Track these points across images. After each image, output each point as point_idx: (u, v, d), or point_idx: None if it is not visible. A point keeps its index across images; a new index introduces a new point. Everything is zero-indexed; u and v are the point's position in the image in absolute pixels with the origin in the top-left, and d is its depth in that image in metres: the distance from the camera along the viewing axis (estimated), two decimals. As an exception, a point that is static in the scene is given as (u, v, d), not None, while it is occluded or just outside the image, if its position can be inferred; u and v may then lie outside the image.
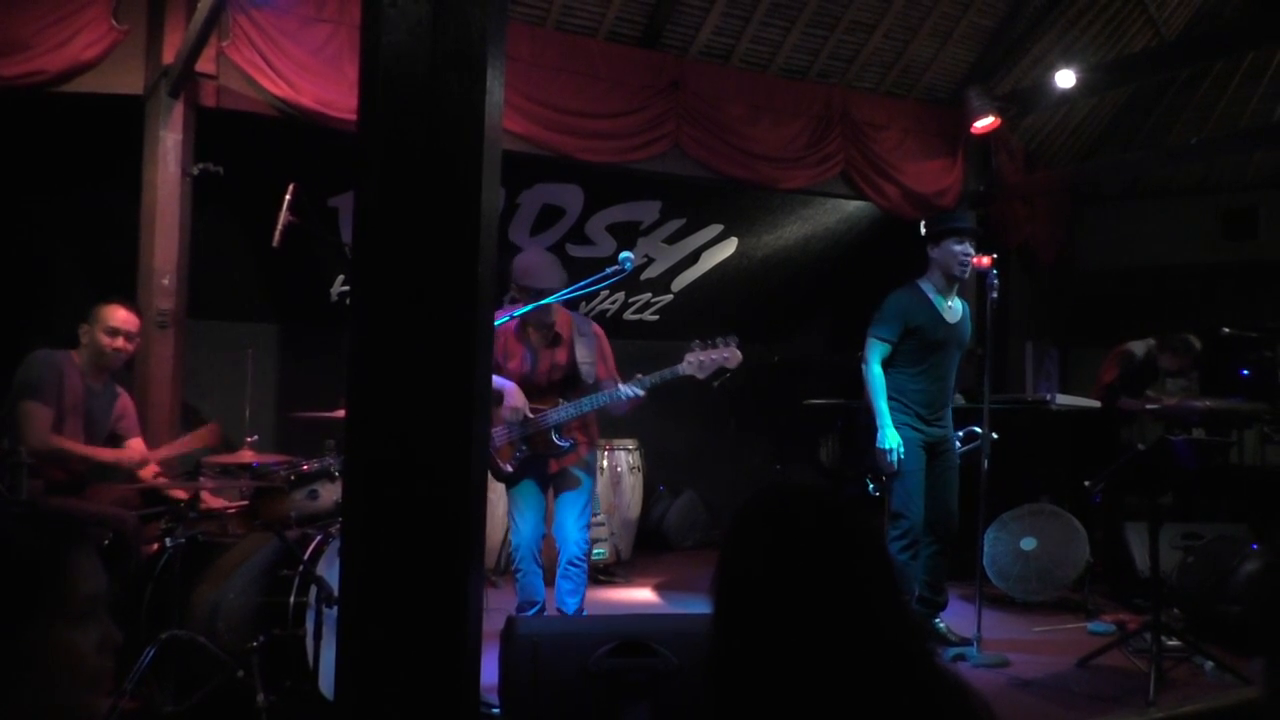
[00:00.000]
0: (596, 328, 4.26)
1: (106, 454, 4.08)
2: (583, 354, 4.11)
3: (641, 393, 3.95)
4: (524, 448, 4.09)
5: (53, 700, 1.12)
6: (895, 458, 4.45)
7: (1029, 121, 7.78)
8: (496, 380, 4.17)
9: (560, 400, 4.06)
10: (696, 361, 3.95)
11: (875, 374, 4.54)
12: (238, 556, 3.60)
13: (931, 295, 4.63)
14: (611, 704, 2.97)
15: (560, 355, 4.13)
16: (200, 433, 4.33)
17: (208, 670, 3.27)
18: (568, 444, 4.08)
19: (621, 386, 3.96)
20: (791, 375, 7.80)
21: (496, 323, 4.02)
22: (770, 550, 1.24)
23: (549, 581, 4.16)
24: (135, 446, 4.24)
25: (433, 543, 1.56)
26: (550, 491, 4.22)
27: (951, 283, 4.66)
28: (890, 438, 4.46)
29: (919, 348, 4.56)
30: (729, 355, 3.95)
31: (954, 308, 4.67)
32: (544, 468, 4.15)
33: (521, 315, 4.01)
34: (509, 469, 4.12)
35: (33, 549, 1.14)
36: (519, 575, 4.13)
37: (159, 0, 4.82)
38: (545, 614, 4.10)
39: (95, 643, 1.16)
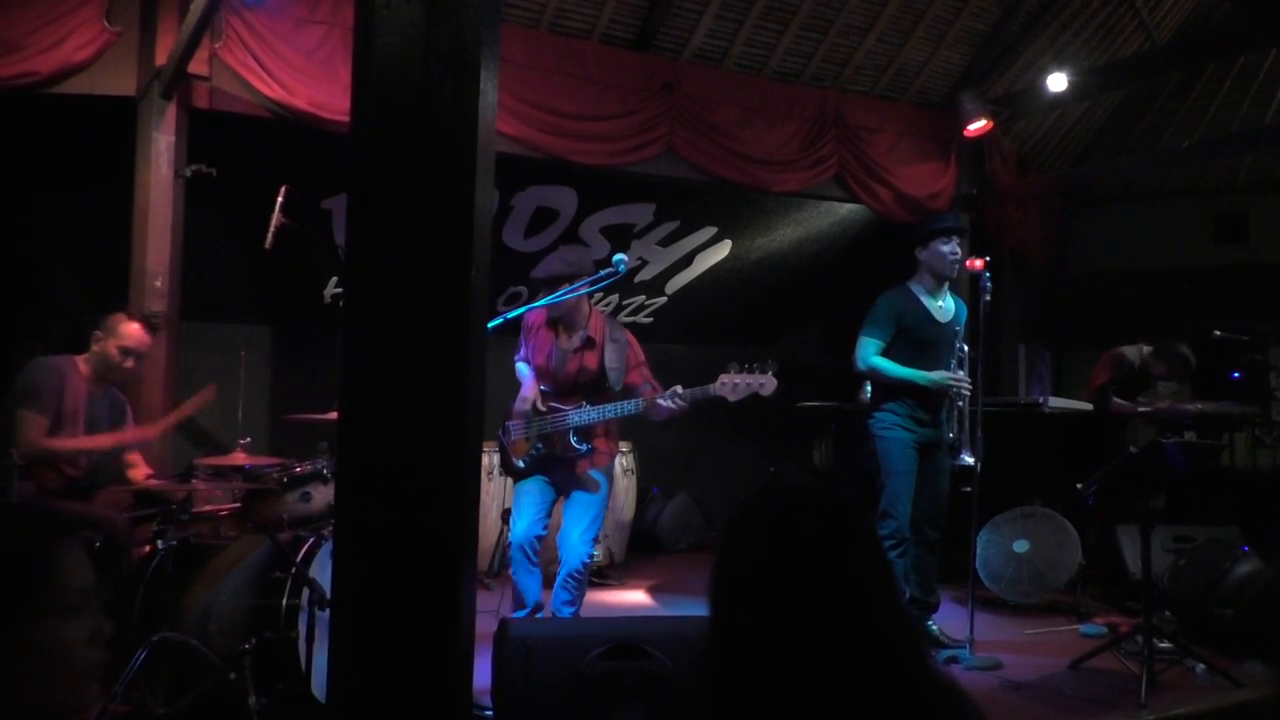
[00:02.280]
0: (629, 334, 4.23)
1: (103, 440, 4.05)
2: (611, 359, 4.09)
3: (682, 405, 3.90)
4: (540, 445, 4.08)
5: (46, 693, 1.14)
6: (949, 380, 4.48)
7: (1021, 125, 7.80)
8: (520, 370, 4.24)
9: (584, 403, 4.04)
10: (730, 384, 3.88)
11: (877, 361, 4.56)
12: (230, 559, 3.59)
13: (921, 296, 4.65)
14: (605, 706, 2.97)
15: (590, 359, 4.11)
16: (194, 400, 4.28)
17: (199, 673, 3.26)
18: (585, 448, 4.06)
19: (660, 400, 3.92)
20: (785, 377, 7.79)
21: (519, 310, 4.05)
22: (768, 551, 1.24)
23: (546, 584, 4.14)
24: (131, 454, 4.23)
25: (425, 545, 1.56)
26: (562, 496, 4.19)
27: (941, 282, 4.68)
28: (934, 378, 4.48)
29: (910, 347, 4.57)
30: (764, 382, 3.88)
31: (944, 307, 4.69)
32: (560, 469, 4.13)
33: (549, 309, 4.05)
34: (520, 464, 4.11)
35: (18, 545, 1.16)
36: (512, 573, 4.10)
37: (152, 2, 4.81)
38: (539, 615, 4.09)
39: (86, 635, 1.17)
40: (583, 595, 4.12)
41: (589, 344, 4.12)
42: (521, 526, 4.07)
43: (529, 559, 4.07)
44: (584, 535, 4.06)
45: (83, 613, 1.18)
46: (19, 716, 1.13)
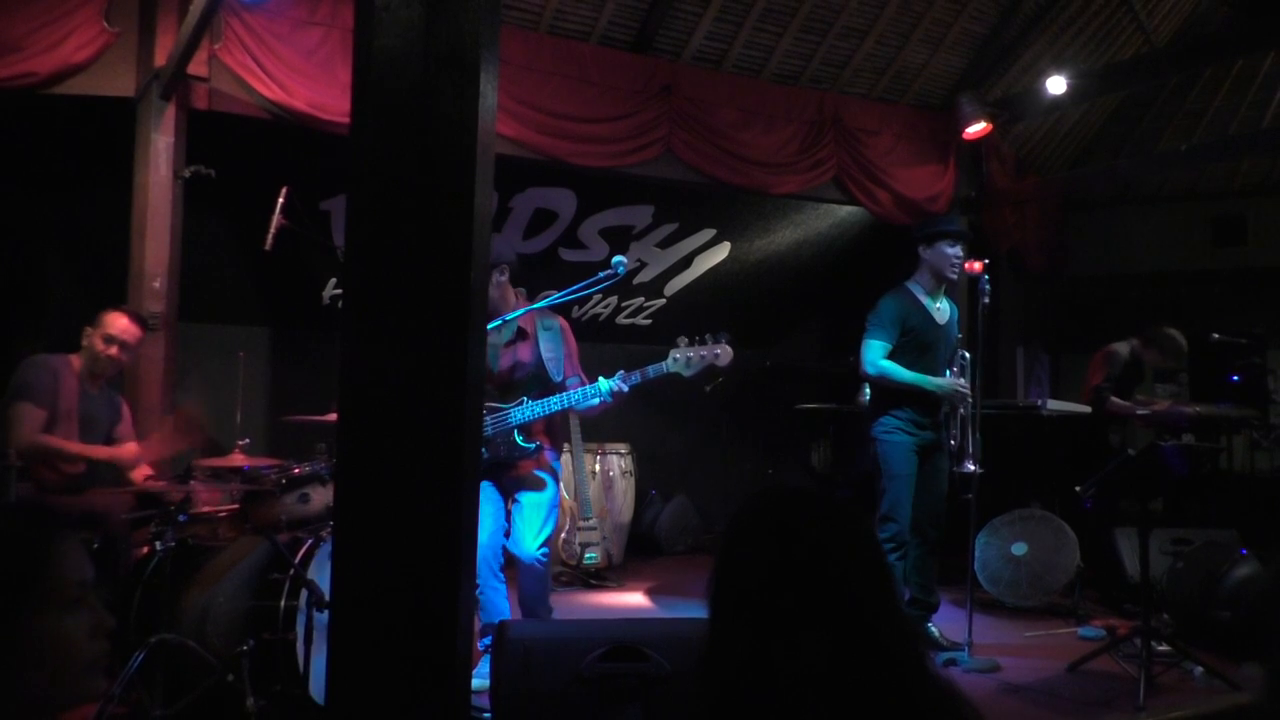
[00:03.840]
0: (562, 321, 4.08)
1: (100, 451, 4.05)
2: (547, 349, 3.92)
3: (625, 389, 3.72)
4: (483, 450, 3.83)
5: (50, 687, 1.15)
6: (954, 386, 4.48)
7: (1020, 128, 7.81)
8: None
9: (524, 399, 3.85)
10: (684, 358, 3.75)
11: (885, 365, 4.55)
12: (228, 560, 3.58)
13: (922, 297, 4.66)
14: (603, 709, 2.96)
15: (523, 352, 3.95)
16: (178, 425, 4.27)
17: (197, 674, 3.25)
18: (532, 446, 3.87)
19: (603, 380, 3.74)
20: (783, 379, 7.81)
21: (518, 312, 3.92)
22: (767, 554, 1.24)
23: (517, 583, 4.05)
24: (130, 450, 4.23)
25: (424, 547, 1.56)
26: (509, 500, 3.99)
27: (940, 284, 4.69)
28: (942, 384, 4.48)
29: (912, 349, 4.58)
30: (720, 352, 3.76)
31: (942, 309, 4.70)
32: (503, 472, 3.94)
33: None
34: None
35: (17, 539, 1.17)
36: (478, 592, 3.84)
37: (151, 3, 4.82)
38: None
39: (87, 628, 1.18)
40: (548, 589, 3.96)
41: (520, 335, 3.96)
42: (483, 538, 3.83)
43: (495, 574, 3.88)
44: (537, 539, 3.87)
45: (83, 606, 1.19)
46: (24, 709, 1.14)
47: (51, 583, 1.16)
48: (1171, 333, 5.94)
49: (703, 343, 3.77)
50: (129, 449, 4.16)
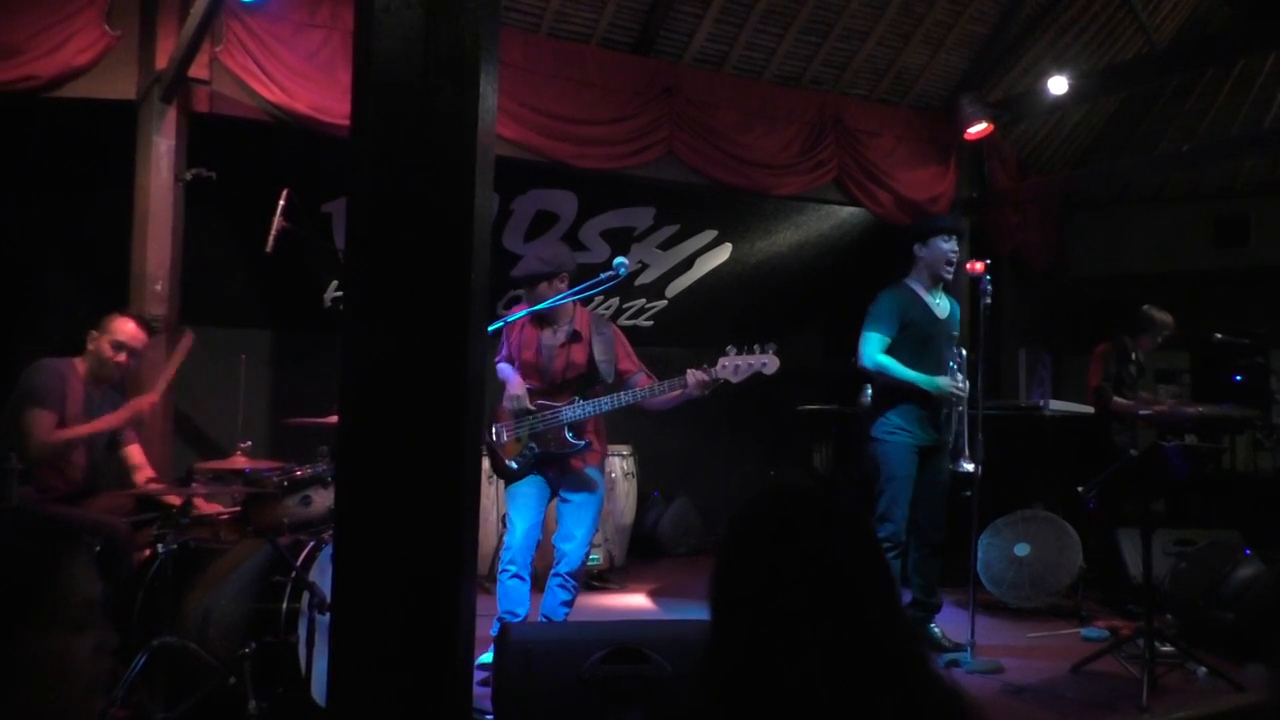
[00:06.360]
0: (614, 328, 4.22)
1: (112, 420, 3.98)
2: (600, 352, 4.04)
3: (688, 390, 3.82)
4: (533, 445, 4.01)
5: (50, 706, 1.13)
6: (951, 388, 4.47)
7: (1021, 129, 7.81)
8: (502, 370, 4.14)
9: (576, 398, 3.98)
10: (732, 366, 3.83)
11: (883, 360, 4.54)
12: (230, 563, 3.59)
13: (921, 292, 4.67)
14: (605, 710, 2.96)
15: (578, 354, 4.06)
16: (179, 349, 4.23)
17: (199, 677, 3.26)
18: (583, 443, 3.98)
19: (691, 372, 3.83)
20: (785, 380, 7.78)
21: (511, 318, 4.03)
22: (769, 554, 1.24)
23: (537, 588, 4.10)
24: (133, 453, 4.23)
25: (425, 549, 1.56)
26: (556, 498, 4.12)
27: (936, 282, 4.70)
28: (939, 383, 4.47)
29: (913, 343, 4.57)
30: (767, 361, 3.84)
31: (941, 304, 4.71)
32: (554, 468, 4.07)
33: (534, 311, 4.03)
34: (514, 465, 4.04)
35: (27, 558, 1.14)
36: (503, 579, 3.99)
37: (152, 6, 4.82)
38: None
39: (91, 648, 1.16)
40: (577, 594, 4.09)
41: (575, 338, 4.07)
42: (522, 529, 3.99)
43: (524, 566, 3.98)
44: (588, 536, 4.03)
45: (88, 625, 1.17)
46: None
47: (58, 603, 1.14)
48: (1148, 310, 5.98)
49: (750, 351, 3.86)
50: (132, 402, 4.10)
